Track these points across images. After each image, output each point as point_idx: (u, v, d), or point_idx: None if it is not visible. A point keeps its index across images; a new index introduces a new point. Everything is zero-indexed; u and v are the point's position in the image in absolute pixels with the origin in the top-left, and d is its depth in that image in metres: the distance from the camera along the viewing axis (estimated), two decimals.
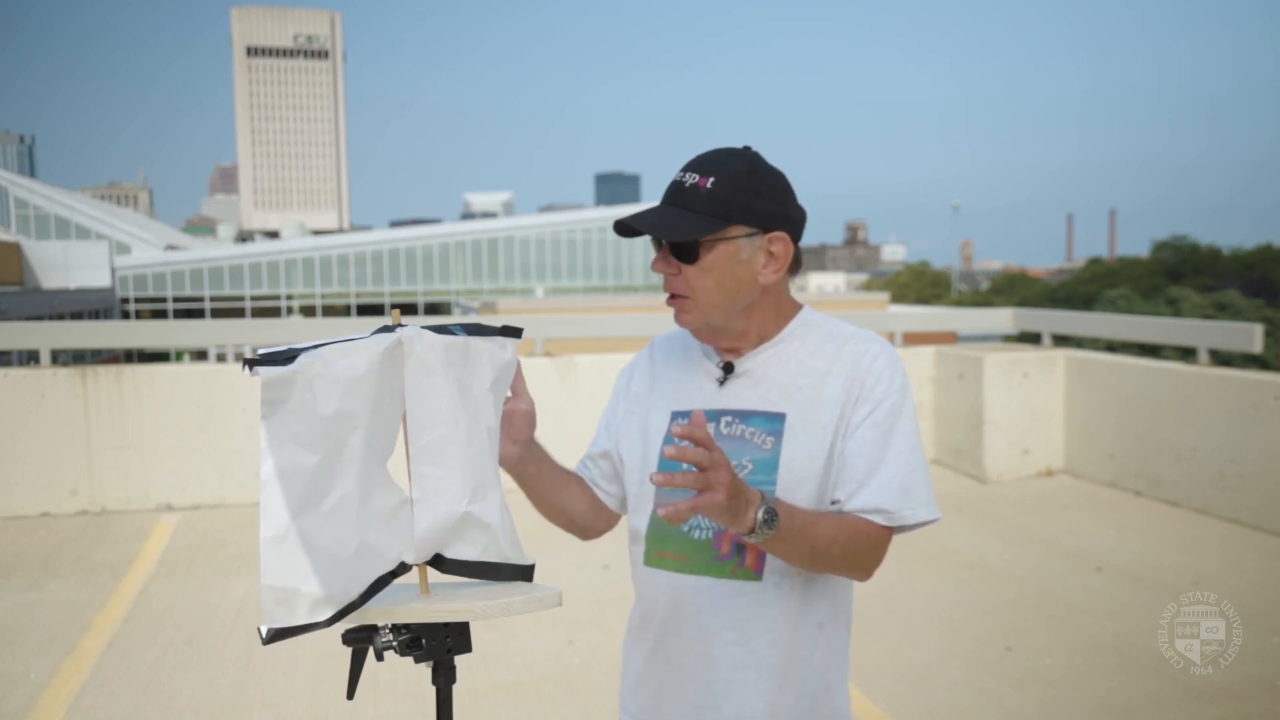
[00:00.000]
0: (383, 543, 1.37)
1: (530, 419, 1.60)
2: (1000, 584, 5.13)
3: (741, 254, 1.54)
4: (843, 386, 1.55)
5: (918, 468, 1.53)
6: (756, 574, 1.54)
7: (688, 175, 1.54)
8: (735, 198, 1.52)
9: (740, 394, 1.59)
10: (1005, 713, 3.69)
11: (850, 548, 1.49)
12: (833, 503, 1.54)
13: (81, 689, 3.90)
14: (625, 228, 1.56)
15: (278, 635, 1.29)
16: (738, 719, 1.56)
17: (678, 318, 1.59)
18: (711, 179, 1.52)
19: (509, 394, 1.55)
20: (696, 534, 1.57)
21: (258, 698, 3.83)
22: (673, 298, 1.58)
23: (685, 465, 1.30)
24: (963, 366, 7.66)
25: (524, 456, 1.61)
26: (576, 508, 1.74)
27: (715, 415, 1.60)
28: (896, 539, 1.56)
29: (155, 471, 6.71)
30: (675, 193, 1.54)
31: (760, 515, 1.34)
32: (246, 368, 1.26)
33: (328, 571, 1.30)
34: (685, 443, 1.28)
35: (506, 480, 1.54)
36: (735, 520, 1.32)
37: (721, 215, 1.51)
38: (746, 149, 1.58)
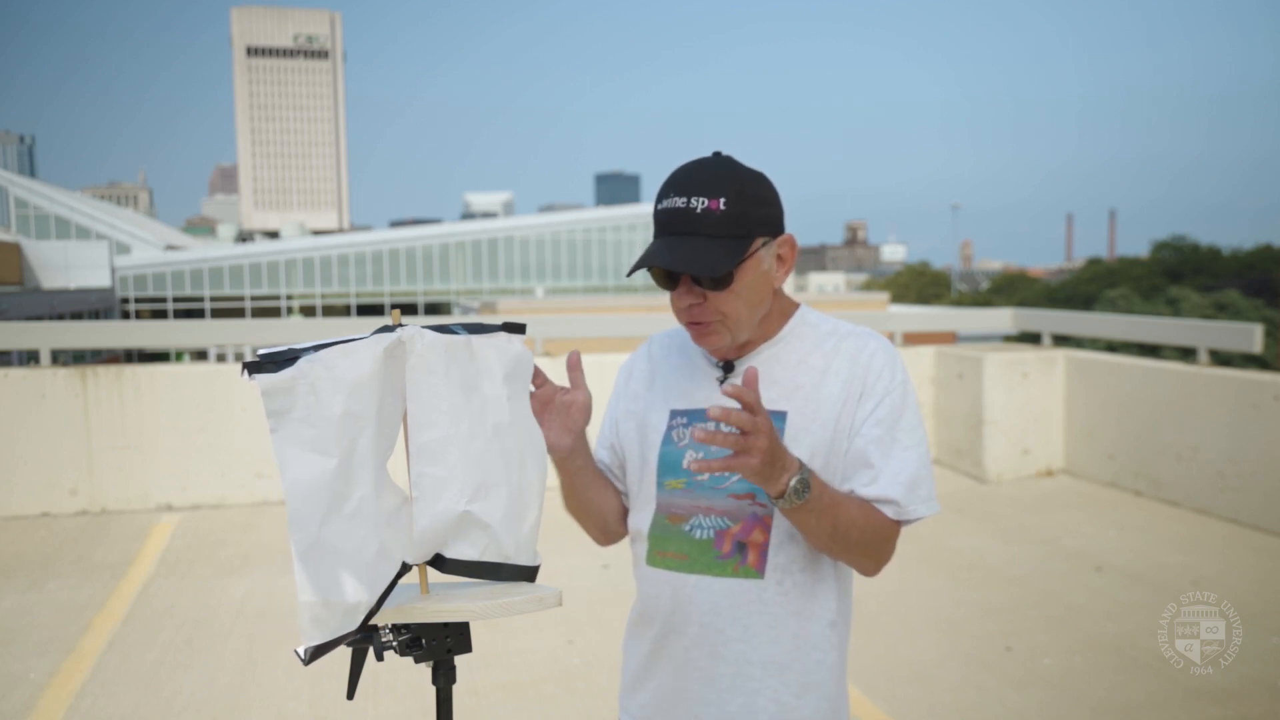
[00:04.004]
0: (391, 543, 1.37)
1: (586, 410, 1.60)
2: (1000, 584, 5.13)
3: (763, 265, 1.53)
4: (842, 383, 1.56)
5: (923, 462, 1.55)
6: (758, 572, 1.55)
7: (694, 200, 1.48)
8: (750, 211, 1.49)
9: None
10: (1005, 713, 3.69)
11: (869, 534, 1.51)
12: None
13: (81, 689, 3.90)
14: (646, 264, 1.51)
15: (317, 653, 1.28)
16: (743, 714, 1.57)
17: (704, 340, 1.56)
18: (722, 199, 1.47)
19: (533, 387, 1.55)
20: (698, 534, 1.57)
21: (258, 698, 3.83)
22: (697, 324, 1.54)
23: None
24: (963, 366, 7.66)
25: (575, 447, 1.61)
26: (611, 508, 1.73)
27: None
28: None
29: (155, 471, 6.71)
30: (687, 220, 1.48)
31: (793, 483, 1.37)
32: (245, 372, 1.25)
33: (355, 577, 1.29)
34: (733, 403, 1.29)
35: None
36: (768, 483, 1.36)
37: (744, 235, 1.49)
38: (719, 155, 1.55)
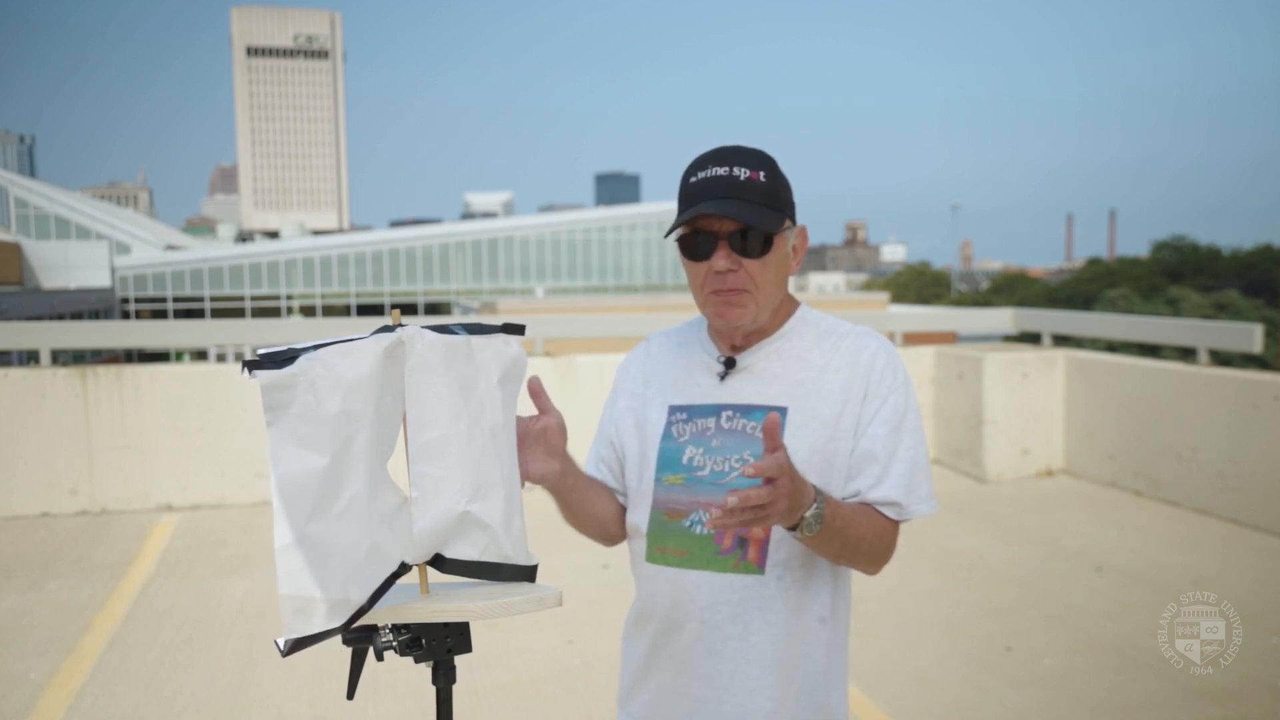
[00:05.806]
0: (387, 543, 1.37)
1: (562, 430, 1.56)
2: (1000, 584, 5.13)
3: (788, 247, 1.58)
4: (843, 382, 1.57)
5: (922, 462, 1.57)
6: (759, 568, 1.55)
7: (736, 169, 1.51)
8: (782, 192, 1.55)
9: (741, 389, 1.60)
10: (1005, 713, 3.69)
11: (875, 544, 1.53)
12: (848, 497, 1.56)
13: (81, 689, 3.90)
14: (693, 227, 1.51)
15: (297, 646, 1.28)
16: (738, 714, 1.57)
17: (731, 313, 1.55)
18: (762, 172, 1.52)
19: (526, 394, 1.53)
20: (698, 529, 1.57)
21: (258, 698, 3.83)
22: (727, 292, 1.54)
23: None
24: (963, 366, 7.66)
25: (564, 470, 1.58)
26: (610, 515, 1.72)
27: (716, 410, 1.60)
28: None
29: (155, 471, 6.71)
30: (731, 186, 1.50)
31: (809, 516, 1.37)
32: (245, 370, 1.25)
33: (342, 575, 1.29)
34: (754, 480, 1.29)
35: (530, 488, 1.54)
36: (785, 523, 1.36)
37: (778, 209, 1.53)
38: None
